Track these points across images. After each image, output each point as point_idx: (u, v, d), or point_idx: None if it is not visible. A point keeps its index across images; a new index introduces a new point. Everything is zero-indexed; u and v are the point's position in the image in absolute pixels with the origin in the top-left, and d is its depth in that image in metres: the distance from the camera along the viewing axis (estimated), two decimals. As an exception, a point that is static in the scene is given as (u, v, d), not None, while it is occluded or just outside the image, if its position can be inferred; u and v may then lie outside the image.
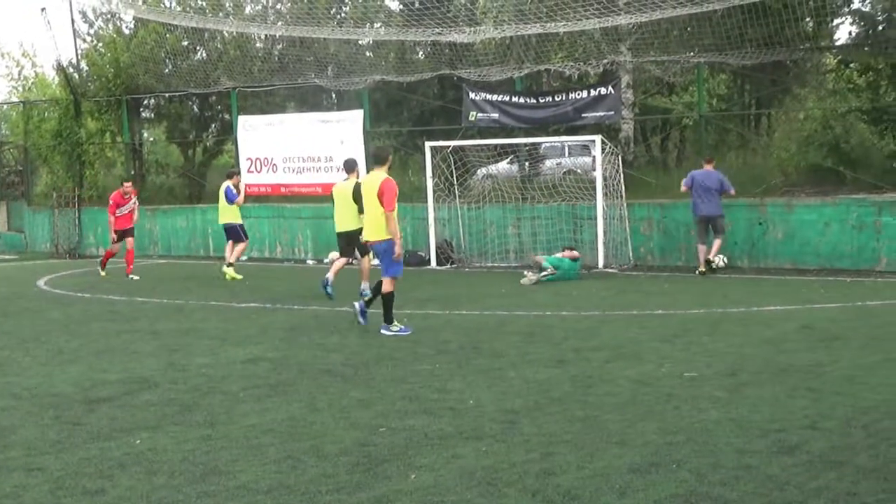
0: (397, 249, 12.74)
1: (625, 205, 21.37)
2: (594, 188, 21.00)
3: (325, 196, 25.46)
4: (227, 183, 20.96)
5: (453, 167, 22.84)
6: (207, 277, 20.35)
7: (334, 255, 23.59)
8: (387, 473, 6.68)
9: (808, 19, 23.60)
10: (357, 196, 15.48)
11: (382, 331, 12.72)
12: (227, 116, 30.38)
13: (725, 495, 6.05)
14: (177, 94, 29.32)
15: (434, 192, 22.47)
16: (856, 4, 25.12)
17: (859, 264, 19.13)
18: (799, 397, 8.63)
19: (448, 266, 22.21)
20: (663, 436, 7.45)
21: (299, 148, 25.49)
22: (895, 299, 14.97)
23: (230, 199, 20.70)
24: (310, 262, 24.48)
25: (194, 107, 32.11)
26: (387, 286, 12.85)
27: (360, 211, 14.93)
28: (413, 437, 7.61)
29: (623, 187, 21.44)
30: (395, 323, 12.78)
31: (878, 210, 19.11)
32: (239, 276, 20.43)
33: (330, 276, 16.68)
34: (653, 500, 5.98)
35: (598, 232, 20.58)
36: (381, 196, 12.64)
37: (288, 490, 6.37)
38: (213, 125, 32.90)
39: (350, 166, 17.03)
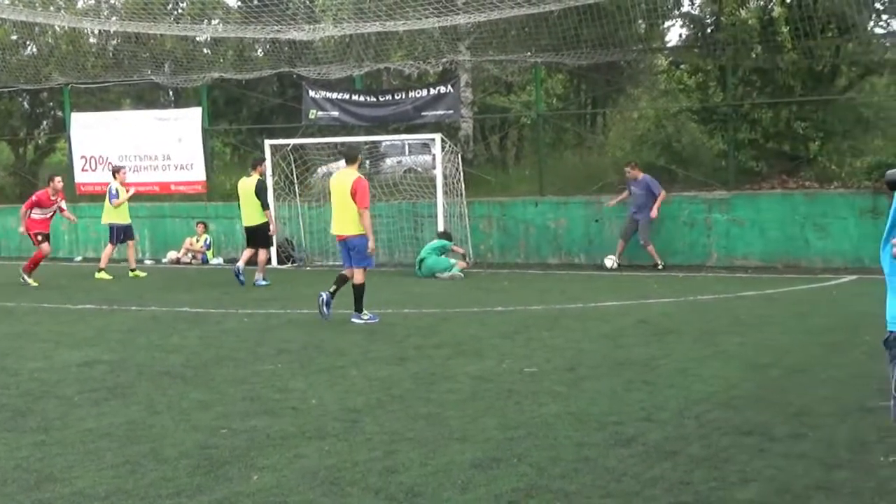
0: (371, 244, 13.31)
1: (465, 203, 21.58)
2: (434, 186, 21.12)
3: (163, 195, 25.06)
4: (114, 182, 20.37)
5: (293, 165, 22.68)
6: (42, 278, 19.66)
7: (172, 254, 23.28)
8: (228, 475, 6.58)
9: (640, 21, 24.20)
10: (260, 192, 17.99)
11: (353, 320, 13.24)
12: (59, 113, 29.45)
13: (565, 488, 6.15)
14: (6, 89, 28.31)
15: (274, 190, 22.25)
16: (686, 7, 25.87)
17: (691, 260, 19.74)
18: (635, 390, 8.84)
19: (289, 265, 22.05)
20: (504, 431, 7.54)
21: (135, 146, 24.93)
22: (725, 294, 15.48)
23: (111, 199, 20.23)
24: (147, 261, 23.95)
25: (24, 103, 31.06)
26: (358, 277, 13.39)
27: (265, 207, 18.08)
28: (255, 437, 7.52)
29: (463, 185, 21.65)
30: (365, 311, 13.33)
31: (708, 207, 19.75)
32: (143, 274, 20.46)
33: (258, 274, 18.29)
34: (494, 495, 6.04)
35: (438, 230, 20.70)
36: (354, 194, 13.06)
37: (126, 495, 6.21)
38: (45, 122, 31.85)
39: (257, 162, 18.85)
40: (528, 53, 23.65)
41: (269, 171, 21.55)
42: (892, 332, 3.67)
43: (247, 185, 17.90)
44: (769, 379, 9.24)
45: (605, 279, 18.36)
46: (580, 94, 28.92)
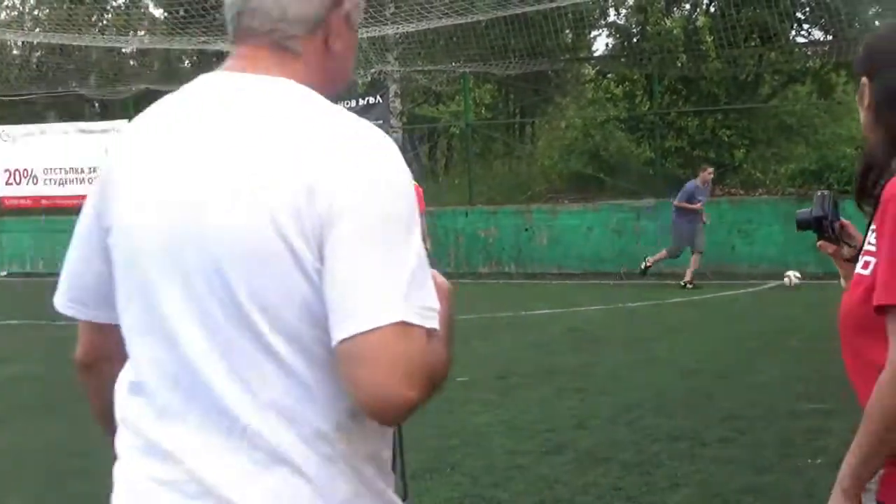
0: None
1: (395, 212, 21.54)
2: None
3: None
4: None
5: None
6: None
7: None
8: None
9: (567, 31, 24.42)
10: None
11: None
12: (-18, 126, 28.97)
13: (498, 496, 6.17)
14: (-74, 102, 27.84)
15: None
16: (612, 17, 26.15)
17: (620, 267, 19.89)
18: (566, 398, 8.89)
19: None
20: (438, 440, 7.52)
21: (61, 159, 24.56)
22: (654, 300, 15.63)
23: None
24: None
25: (-54, 115, 30.54)
26: None
27: None
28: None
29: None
30: None
31: (636, 215, 19.94)
32: None
33: None
34: (428, 505, 6.04)
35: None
36: None
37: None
38: (-32, 135, 31.28)
39: None
40: (457, 63, 23.73)
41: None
42: None
43: None
44: (699, 384, 9.33)
45: (535, 288, 18.45)
46: (508, 103, 29.08)
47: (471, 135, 23.42)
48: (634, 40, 24.10)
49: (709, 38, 20.40)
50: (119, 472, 1.81)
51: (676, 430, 7.60)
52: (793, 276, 16.25)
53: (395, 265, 1.67)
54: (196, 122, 1.79)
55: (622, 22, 25.70)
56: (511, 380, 9.78)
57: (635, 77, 23.05)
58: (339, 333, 1.63)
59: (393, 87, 24.03)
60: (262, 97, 1.78)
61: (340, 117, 1.82)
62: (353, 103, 22.41)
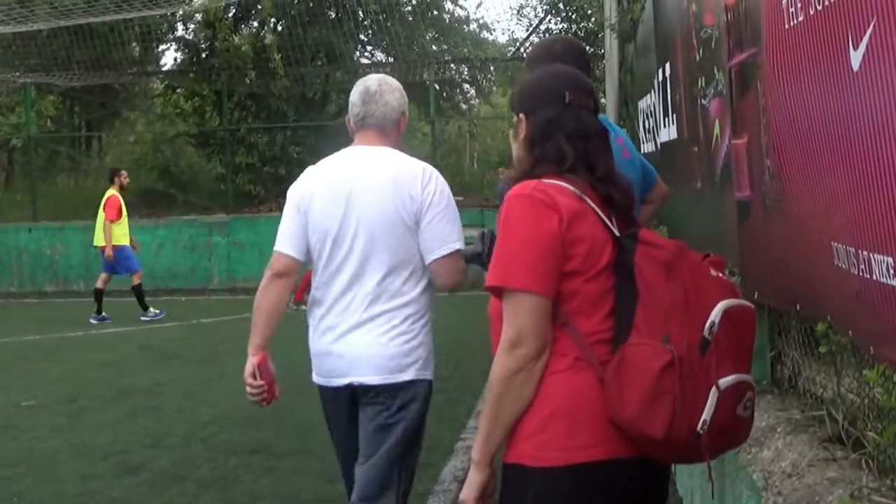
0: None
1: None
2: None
3: None
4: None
5: None
6: None
7: None
8: None
9: (134, 44, 23.94)
10: None
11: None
12: None
13: (71, 522, 5.98)
14: None
15: None
16: (180, 32, 25.91)
17: (193, 283, 19.75)
18: (140, 417, 8.74)
19: None
20: (2, 469, 7.18)
21: None
22: (227, 315, 15.65)
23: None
24: None
25: None
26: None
27: None
28: None
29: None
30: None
31: (208, 230, 19.89)
32: None
33: None
34: (-6, 538, 5.75)
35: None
36: None
37: None
38: None
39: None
40: (17, 73, 22.61)
41: None
42: None
43: None
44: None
45: (107, 306, 17.87)
46: (74, 116, 28.05)
47: (34, 148, 22.37)
48: (203, 56, 24.01)
49: (277, 56, 20.74)
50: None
51: (253, 445, 7.70)
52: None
53: (454, 228, 3.92)
54: (354, 167, 4.00)
55: (190, 37, 25.55)
56: (81, 402, 9.47)
57: (205, 92, 22.97)
58: (432, 256, 3.88)
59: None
60: (382, 155, 4.01)
61: (415, 161, 4.03)
62: None
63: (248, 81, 22.01)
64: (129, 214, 19.63)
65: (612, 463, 2.46)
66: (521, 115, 2.77)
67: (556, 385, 2.49)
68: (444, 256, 3.85)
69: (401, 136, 4.12)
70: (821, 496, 2.44)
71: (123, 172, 16.28)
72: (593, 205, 2.56)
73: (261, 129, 21.93)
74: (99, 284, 15.62)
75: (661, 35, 7.50)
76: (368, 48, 25.67)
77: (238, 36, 22.55)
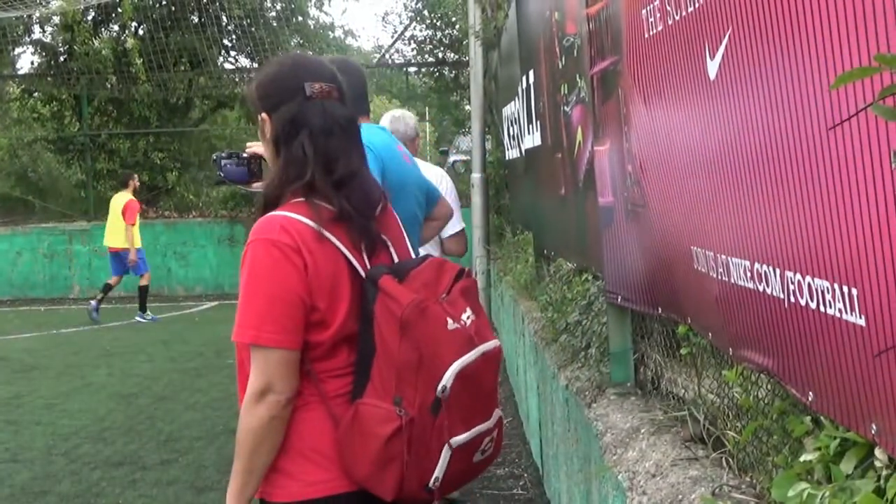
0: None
1: None
2: None
3: None
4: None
5: None
6: None
7: None
8: None
9: (-10, 46, 23.21)
10: None
11: None
12: None
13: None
14: None
15: None
16: (37, 34, 25.22)
17: (52, 293, 19.25)
18: (-2, 431, 8.50)
19: None
20: None
21: None
22: (87, 326, 15.30)
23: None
24: None
25: None
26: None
27: None
28: None
29: None
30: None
31: (69, 238, 19.41)
32: None
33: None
34: None
35: None
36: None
37: None
38: None
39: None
40: None
41: None
42: None
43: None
44: (138, 408, 9.29)
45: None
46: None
47: None
48: (62, 59, 23.42)
49: (138, 61, 20.36)
50: None
51: (117, 456, 7.54)
52: None
53: (458, 211, 5.67)
54: None
55: (48, 40, 24.89)
56: (-65, 417, 9.16)
57: (64, 97, 22.41)
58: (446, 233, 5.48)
59: None
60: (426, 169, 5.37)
61: (439, 170, 6.19)
62: None
63: (109, 86, 21.55)
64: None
65: (345, 496, 2.48)
66: (264, 115, 2.63)
67: (291, 422, 2.48)
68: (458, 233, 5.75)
69: (416, 152, 5.55)
70: (684, 495, 2.51)
71: (136, 176, 16.65)
72: (337, 242, 2.48)
73: (122, 135, 21.51)
74: (143, 282, 15.99)
75: (524, 43, 7.59)
76: (233, 53, 25.35)
77: (98, 39, 22.05)
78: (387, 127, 5.11)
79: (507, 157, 11.15)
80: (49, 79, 22.93)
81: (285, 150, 2.55)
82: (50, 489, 6.76)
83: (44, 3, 22.37)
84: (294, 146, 2.53)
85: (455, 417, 2.41)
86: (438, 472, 2.41)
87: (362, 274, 2.49)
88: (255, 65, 23.20)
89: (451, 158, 21.44)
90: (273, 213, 2.50)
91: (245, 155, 3.20)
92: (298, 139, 2.52)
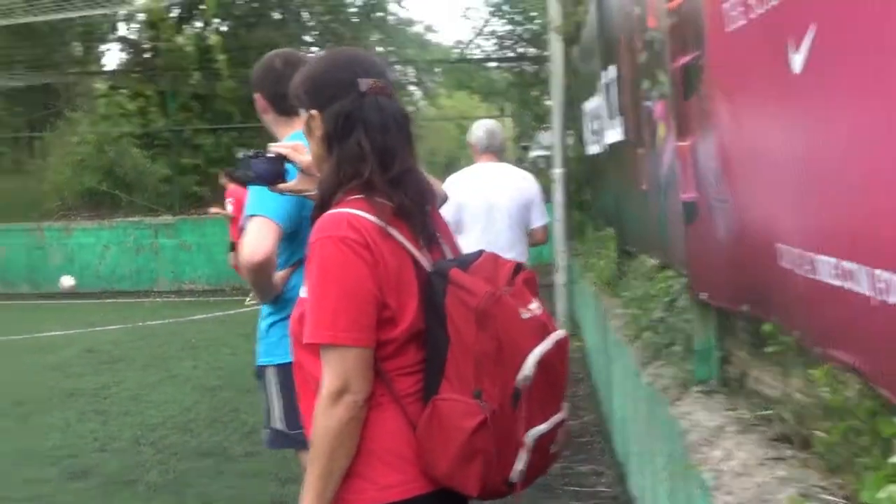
0: None
1: None
2: None
3: None
4: None
5: None
6: None
7: None
8: None
9: (76, 44, 23.69)
10: None
11: None
12: None
13: (19, 529, 5.93)
14: None
15: None
16: (122, 32, 25.69)
17: (139, 285, 19.61)
18: (88, 421, 8.66)
19: None
20: (-53, 476, 7.10)
21: None
22: (175, 318, 15.56)
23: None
24: None
25: None
26: None
27: None
28: None
29: None
30: None
31: (154, 232, 19.75)
32: None
33: None
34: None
35: None
36: None
37: None
38: None
39: None
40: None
41: None
42: (259, 365, 3.96)
43: None
44: (222, 400, 9.43)
45: (50, 309, 17.74)
46: (16, 116, 27.72)
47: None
48: (147, 56, 23.82)
49: (221, 57, 20.62)
50: None
51: (203, 447, 7.66)
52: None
53: (543, 207, 6.88)
54: (488, 175, 6.66)
55: (133, 37, 25.34)
56: (28, 406, 9.38)
57: (149, 93, 22.78)
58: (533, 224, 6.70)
59: None
60: (506, 169, 6.83)
61: (525, 173, 7.03)
62: None
63: (193, 82, 21.86)
64: (71, 217, 19.53)
65: (422, 498, 2.46)
66: (314, 112, 2.58)
67: (363, 424, 2.44)
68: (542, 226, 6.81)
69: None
70: (771, 495, 2.48)
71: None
72: (401, 237, 2.47)
73: (206, 130, 21.80)
74: None
75: (605, 37, 7.55)
76: (314, 49, 25.57)
77: (182, 36, 22.38)
78: (482, 139, 6.66)
79: (588, 153, 11.09)
80: (134, 75, 23.34)
81: (339, 147, 2.53)
82: (138, 478, 6.89)
83: (129, 1, 22.76)
84: (349, 143, 2.50)
85: (534, 408, 2.39)
86: (521, 464, 2.39)
87: (426, 268, 2.48)
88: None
89: (532, 154, 21.42)
90: (336, 210, 2.47)
91: (271, 154, 3.19)
92: (354, 136, 2.50)
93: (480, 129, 6.72)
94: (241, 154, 3.24)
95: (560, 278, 11.84)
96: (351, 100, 2.51)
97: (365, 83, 2.52)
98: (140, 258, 19.77)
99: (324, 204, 2.53)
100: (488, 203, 6.55)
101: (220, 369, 10.96)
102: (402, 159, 2.52)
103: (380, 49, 25.88)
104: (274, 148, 3.16)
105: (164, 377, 10.62)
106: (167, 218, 20.03)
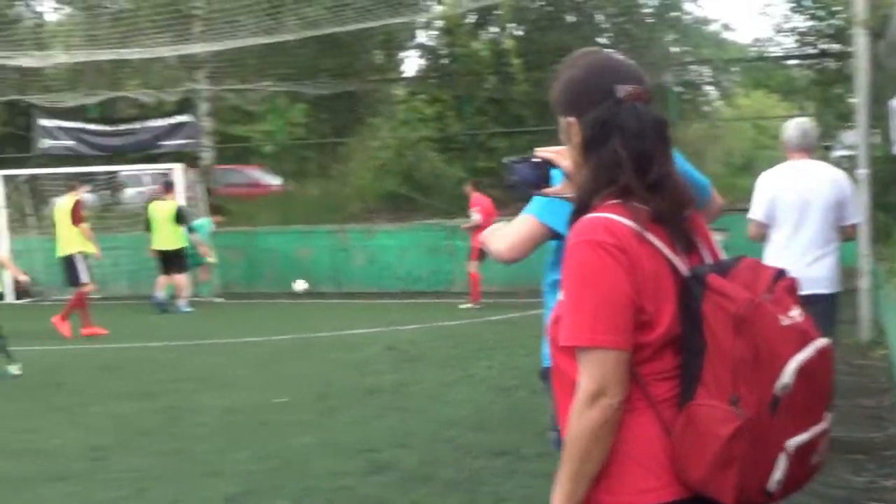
0: None
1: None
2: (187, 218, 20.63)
3: None
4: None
5: (28, 197, 21.68)
6: None
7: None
8: (-35, 526, 6.21)
9: (377, 52, 24.53)
10: (181, 216, 18.10)
11: None
12: None
13: (323, 518, 6.11)
14: None
15: (9, 223, 21.14)
16: (421, 39, 26.40)
17: (435, 286, 20.06)
18: (387, 417, 8.89)
19: (26, 300, 20.98)
20: (258, 462, 7.42)
21: None
22: (469, 319, 15.80)
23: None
24: None
25: None
26: None
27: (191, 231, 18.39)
28: (-7, 484, 7.13)
29: (207, 215, 21.26)
30: None
31: (450, 234, 20.14)
32: None
33: (181, 301, 18.16)
34: (252, 530, 5.94)
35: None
36: None
37: None
38: None
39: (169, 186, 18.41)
40: (268, 82, 23.54)
41: (1, 204, 20.49)
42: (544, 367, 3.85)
43: (158, 208, 18.07)
44: (517, 400, 9.47)
45: (353, 308, 18.42)
46: (321, 123, 29.00)
47: (283, 155, 23.24)
48: (444, 62, 24.38)
49: (516, 61, 20.82)
50: None
51: (497, 447, 7.68)
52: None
53: (856, 205, 7.45)
54: (802, 172, 6.78)
55: (431, 43, 25.99)
56: (331, 400, 9.72)
57: (445, 98, 23.31)
58: (846, 221, 6.86)
59: (204, 106, 23.64)
60: (819, 166, 6.93)
61: (839, 170, 7.16)
62: (163, 122, 21.97)
63: (488, 86, 22.19)
64: (373, 219, 20.24)
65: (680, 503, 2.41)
66: (571, 119, 2.60)
67: (620, 427, 2.42)
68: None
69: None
70: None
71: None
72: (657, 242, 2.43)
73: (500, 134, 22.07)
74: None
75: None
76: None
77: (477, 41, 22.77)
78: (795, 137, 6.85)
79: (894, 152, 10.48)
80: (432, 81, 23.93)
81: (596, 154, 2.52)
82: (435, 475, 6.98)
83: (427, 9, 23.36)
84: (606, 150, 2.49)
85: (793, 417, 2.33)
86: (779, 474, 2.34)
87: (683, 274, 2.44)
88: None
89: (835, 154, 20.50)
90: (593, 214, 2.47)
91: (536, 159, 3.15)
92: (610, 143, 2.49)
93: (794, 127, 6.91)
94: (506, 159, 3.27)
95: (864, 283, 11.27)
96: (608, 107, 2.51)
97: (622, 90, 2.53)
98: (436, 260, 20.22)
99: (581, 209, 2.53)
100: (803, 199, 6.66)
101: (515, 369, 11.01)
102: (660, 164, 2.51)
103: (674, 49, 25.46)
104: (540, 153, 3.13)
105: (460, 376, 10.77)
106: (462, 220, 20.39)
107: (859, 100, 11.89)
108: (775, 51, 22.14)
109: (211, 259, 19.56)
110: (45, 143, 22.31)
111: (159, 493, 6.73)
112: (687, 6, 26.54)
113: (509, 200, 21.12)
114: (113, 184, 23.97)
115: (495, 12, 23.22)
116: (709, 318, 2.36)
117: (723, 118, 29.11)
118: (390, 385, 10.41)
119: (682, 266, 2.46)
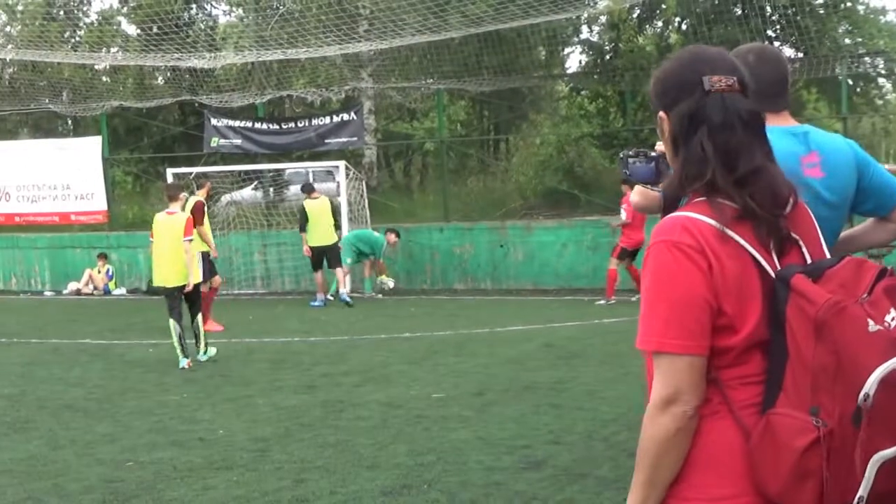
0: None
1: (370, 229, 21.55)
2: (339, 213, 21.05)
3: (63, 225, 24.52)
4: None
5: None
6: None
7: (73, 285, 22.54)
8: (134, 510, 6.47)
9: (541, 48, 24.50)
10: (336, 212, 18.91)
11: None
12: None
13: (476, 513, 6.17)
14: None
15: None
16: (585, 34, 26.26)
17: (595, 283, 19.91)
18: (543, 414, 8.90)
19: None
20: (414, 457, 7.53)
21: (34, 176, 24.36)
22: (628, 316, 15.63)
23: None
24: (48, 293, 23.41)
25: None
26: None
27: (337, 227, 18.98)
28: (161, 470, 7.41)
29: (368, 212, 21.61)
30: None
31: (612, 232, 19.98)
32: None
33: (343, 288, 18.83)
34: (406, 522, 6.03)
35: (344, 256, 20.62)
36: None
37: (28, 534, 6.07)
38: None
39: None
40: (431, 80, 23.78)
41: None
42: None
43: (314, 206, 18.57)
44: (674, 399, 9.34)
45: (511, 304, 18.47)
46: (483, 120, 29.14)
47: (445, 151, 23.44)
48: (607, 57, 24.20)
49: (682, 56, 20.53)
50: None
51: (652, 446, 7.60)
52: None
53: None
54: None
55: (595, 39, 25.83)
56: (487, 396, 9.78)
57: (608, 94, 23.15)
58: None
59: (367, 104, 24.05)
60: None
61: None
62: (327, 120, 22.39)
63: (652, 82, 21.96)
64: (533, 216, 20.22)
65: None
66: (662, 113, 2.53)
67: (697, 432, 2.35)
68: None
69: None
70: None
71: None
72: (742, 241, 2.34)
73: (662, 130, 21.85)
74: None
75: None
76: (776, 44, 24.85)
77: (642, 36, 22.55)
78: None
79: None
80: (595, 76, 23.78)
81: (684, 148, 2.46)
82: (589, 472, 6.97)
83: (591, 4, 23.22)
84: (693, 144, 2.43)
85: (880, 430, 2.18)
86: (863, 490, 2.20)
87: (772, 275, 2.35)
88: (800, 55, 22.58)
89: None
90: (675, 213, 2.42)
91: (653, 154, 3.08)
92: (697, 136, 2.42)
93: None
94: (622, 154, 3.24)
95: None
96: (695, 99, 2.44)
97: (709, 81, 2.45)
98: (597, 256, 20.08)
99: (667, 206, 2.50)
100: None
101: (672, 369, 10.85)
102: (749, 159, 2.42)
103: (847, 41, 24.70)
104: (658, 147, 3.09)
105: (618, 374, 10.70)
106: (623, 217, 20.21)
107: None
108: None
109: (389, 282, 20.01)
110: (215, 141, 23.00)
111: (318, 485, 6.89)
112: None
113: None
114: (278, 182, 24.57)
115: (662, 6, 22.95)
116: (791, 322, 2.28)
117: (896, 112, 28.12)
118: (547, 382, 10.41)
119: (770, 267, 2.37)
